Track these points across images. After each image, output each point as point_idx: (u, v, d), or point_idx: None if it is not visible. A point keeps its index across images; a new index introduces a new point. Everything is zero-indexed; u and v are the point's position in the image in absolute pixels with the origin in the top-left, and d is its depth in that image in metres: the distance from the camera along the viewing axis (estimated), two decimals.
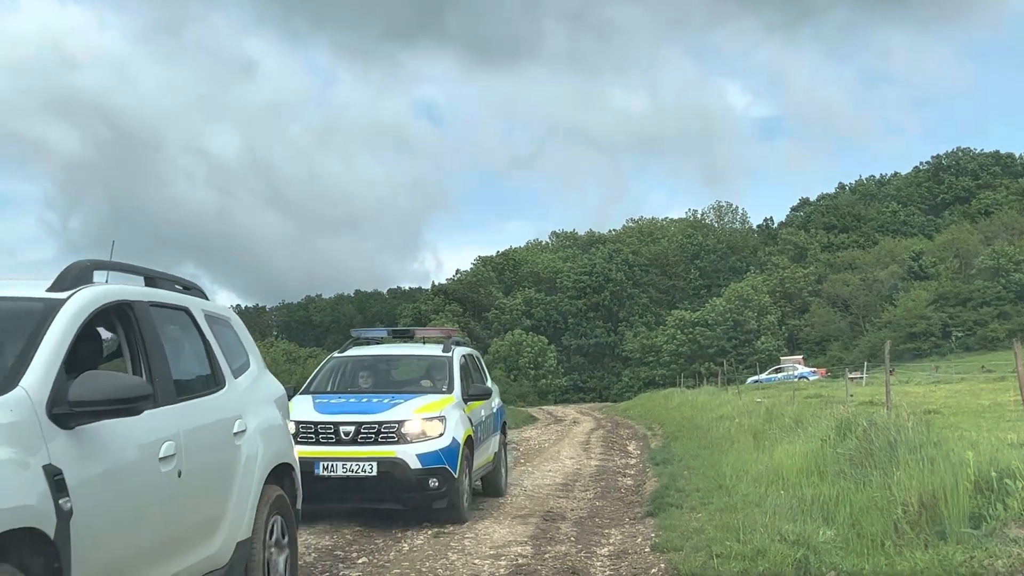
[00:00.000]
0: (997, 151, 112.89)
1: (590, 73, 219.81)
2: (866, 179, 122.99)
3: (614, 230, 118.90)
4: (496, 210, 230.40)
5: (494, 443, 11.62)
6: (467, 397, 10.37)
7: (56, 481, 3.45)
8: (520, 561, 7.39)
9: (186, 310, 5.29)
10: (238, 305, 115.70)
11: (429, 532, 8.81)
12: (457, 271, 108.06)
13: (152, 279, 5.14)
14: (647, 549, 7.72)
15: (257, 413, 5.59)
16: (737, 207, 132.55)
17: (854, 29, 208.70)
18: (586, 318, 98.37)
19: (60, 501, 3.44)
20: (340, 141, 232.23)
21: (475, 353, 12.50)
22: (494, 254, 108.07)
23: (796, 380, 47.24)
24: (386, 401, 9.71)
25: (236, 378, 5.58)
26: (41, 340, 3.82)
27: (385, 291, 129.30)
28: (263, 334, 79.03)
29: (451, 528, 9.02)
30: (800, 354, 77.14)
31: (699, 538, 7.55)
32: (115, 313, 4.46)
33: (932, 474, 7.43)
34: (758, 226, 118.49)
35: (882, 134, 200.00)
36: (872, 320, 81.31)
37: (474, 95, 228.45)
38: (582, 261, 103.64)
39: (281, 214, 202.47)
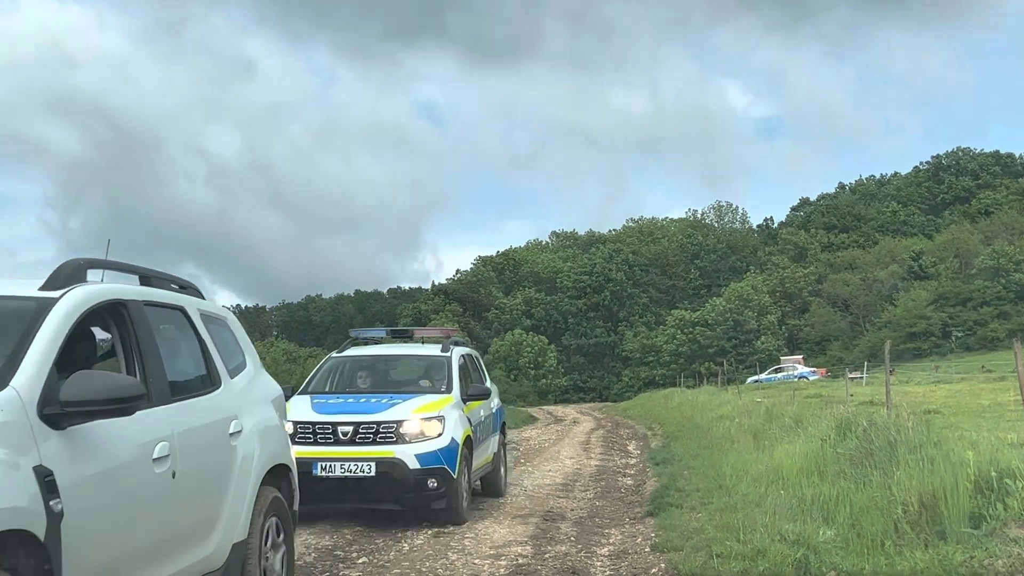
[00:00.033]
0: (997, 151, 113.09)
1: (590, 73, 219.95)
2: (866, 179, 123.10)
3: (614, 230, 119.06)
4: (496, 210, 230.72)
5: (493, 443, 11.59)
6: (466, 397, 10.35)
7: (47, 482, 3.41)
8: (520, 561, 7.37)
9: (181, 309, 5.26)
10: (238, 305, 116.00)
11: (429, 532, 8.78)
12: (457, 271, 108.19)
13: (147, 278, 5.10)
14: (647, 549, 7.70)
15: (253, 413, 5.55)
16: (737, 207, 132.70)
17: (854, 29, 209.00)
18: (586, 318, 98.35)
19: (51, 503, 3.40)
20: (340, 141, 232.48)
21: (474, 353, 12.47)
22: (494, 254, 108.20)
23: (796, 380, 47.27)
24: (384, 401, 9.68)
25: (232, 378, 5.54)
26: (32, 339, 3.78)
27: (385, 291, 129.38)
28: (263, 334, 79.06)
29: (451, 528, 9.00)
30: (800, 354, 77.11)
31: (699, 538, 7.54)
32: (109, 312, 4.42)
33: (932, 474, 7.42)
34: (758, 226, 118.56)
35: (882, 134, 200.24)
36: (872, 320, 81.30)
37: (474, 95, 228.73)
38: (582, 261, 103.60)
39: (281, 214, 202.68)
